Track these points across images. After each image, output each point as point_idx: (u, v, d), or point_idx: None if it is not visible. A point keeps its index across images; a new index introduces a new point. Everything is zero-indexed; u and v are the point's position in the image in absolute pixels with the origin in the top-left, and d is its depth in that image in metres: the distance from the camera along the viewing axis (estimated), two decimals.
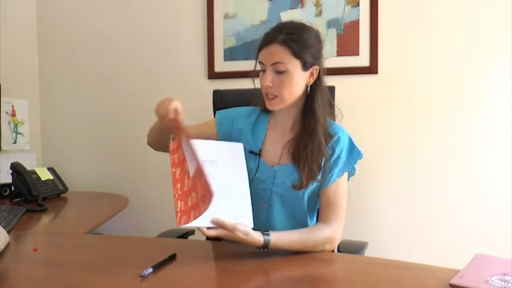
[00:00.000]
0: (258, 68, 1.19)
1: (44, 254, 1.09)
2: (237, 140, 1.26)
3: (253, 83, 1.23)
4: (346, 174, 1.19)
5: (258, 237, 0.99)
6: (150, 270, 0.89)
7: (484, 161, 1.82)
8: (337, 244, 1.13)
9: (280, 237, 1.03)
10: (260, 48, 1.13)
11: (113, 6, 2.18)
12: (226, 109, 1.34)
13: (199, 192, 0.93)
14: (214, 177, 0.91)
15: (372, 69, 1.89)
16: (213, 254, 1.10)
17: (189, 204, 0.96)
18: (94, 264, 0.98)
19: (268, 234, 1.01)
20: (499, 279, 0.78)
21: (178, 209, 0.97)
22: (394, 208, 1.91)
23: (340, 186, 1.16)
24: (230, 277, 0.91)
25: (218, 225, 0.97)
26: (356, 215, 1.92)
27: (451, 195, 1.85)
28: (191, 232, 1.53)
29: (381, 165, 1.91)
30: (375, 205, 1.92)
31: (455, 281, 0.78)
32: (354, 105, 1.89)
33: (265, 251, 1.01)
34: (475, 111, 1.82)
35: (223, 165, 1.08)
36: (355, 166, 1.19)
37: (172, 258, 0.97)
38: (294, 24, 1.15)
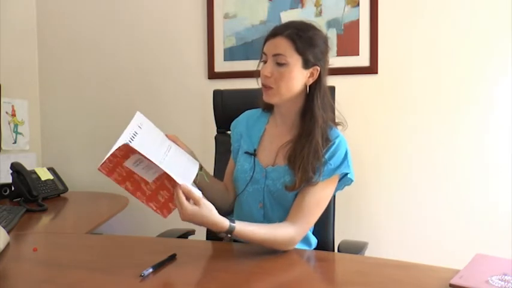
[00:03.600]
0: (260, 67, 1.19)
1: (44, 254, 1.09)
2: (239, 144, 1.29)
3: (258, 82, 1.23)
4: (329, 182, 1.13)
5: (223, 218, 0.98)
6: (150, 270, 0.89)
7: (484, 160, 1.82)
8: (295, 246, 1.08)
9: (245, 226, 1.01)
10: (266, 40, 1.15)
11: (112, 6, 2.18)
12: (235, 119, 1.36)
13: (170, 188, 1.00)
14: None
15: (372, 69, 1.89)
16: (213, 254, 1.10)
17: (162, 200, 1.01)
18: (94, 264, 0.98)
19: (234, 221, 0.99)
20: (499, 279, 0.78)
21: (155, 209, 1.02)
22: (394, 208, 1.91)
23: (318, 192, 1.11)
24: (230, 277, 0.91)
25: (185, 193, 0.94)
26: (356, 215, 1.92)
27: (452, 195, 1.85)
28: (191, 232, 1.53)
29: (381, 165, 1.91)
30: (375, 205, 1.92)
31: (455, 281, 0.78)
32: (354, 105, 1.89)
33: (229, 237, 1.01)
34: (475, 111, 1.82)
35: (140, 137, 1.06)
36: (352, 177, 1.16)
37: (172, 258, 0.97)
38: (303, 22, 1.16)
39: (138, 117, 1.07)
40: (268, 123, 1.26)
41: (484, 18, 1.80)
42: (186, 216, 0.95)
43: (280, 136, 1.20)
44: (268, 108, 1.27)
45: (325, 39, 1.16)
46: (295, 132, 1.18)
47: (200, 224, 0.97)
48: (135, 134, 1.02)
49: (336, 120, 1.23)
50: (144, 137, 1.03)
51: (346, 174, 1.15)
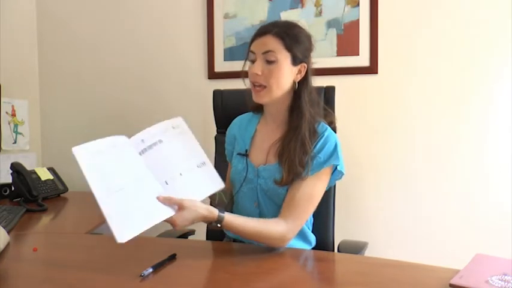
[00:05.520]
0: (247, 68, 1.20)
1: (44, 254, 1.10)
2: (233, 147, 1.31)
3: (244, 83, 1.23)
4: (320, 176, 1.13)
5: (208, 207, 1.00)
6: (150, 270, 0.89)
7: (484, 160, 1.82)
8: (287, 243, 1.07)
9: (236, 218, 1.03)
10: (253, 39, 1.16)
11: (113, 6, 2.18)
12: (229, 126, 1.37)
13: None
14: (160, 157, 1.04)
15: (372, 69, 1.89)
16: (213, 254, 1.10)
17: None
18: (94, 264, 0.98)
19: (223, 212, 1.01)
20: (499, 279, 0.78)
21: None
22: (394, 208, 1.91)
23: (309, 187, 1.11)
24: (230, 277, 0.91)
25: (166, 201, 0.97)
26: (356, 215, 1.92)
27: (452, 195, 1.85)
28: (191, 232, 1.53)
29: (380, 164, 1.91)
30: (375, 205, 1.92)
31: (455, 281, 0.78)
32: (354, 105, 1.89)
33: (219, 227, 1.01)
34: (475, 111, 1.82)
35: (169, 141, 1.09)
36: (343, 170, 1.15)
37: (172, 258, 0.97)
38: (288, 21, 1.19)
39: (176, 121, 1.13)
40: (259, 124, 1.27)
41: (484, 18, 1.80)
42: (178, 224, 0.97)
43: (271, 135, 1.21)
44: (258, 109, 1.28)
45: (309, 37, 1.18)
46: (284, 129, 1.19)
47: (192, 223, 0.99)
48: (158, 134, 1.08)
49: (326, 117, 1.23)
50: (165, 145, 1.07)
51: (336, 167, 1.14)
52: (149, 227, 0.93)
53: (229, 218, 1.02)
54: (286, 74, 1.13)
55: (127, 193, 0.96)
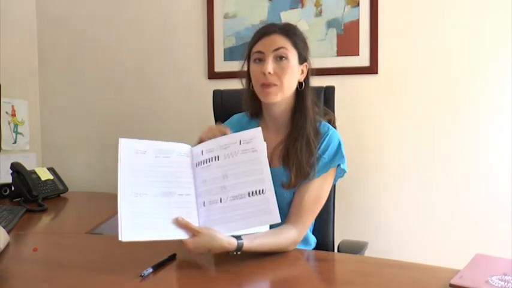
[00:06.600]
0: (245, 69, 1.20)
1: (44, 254, 1.10)
2: None
3: (242, 83, 1.22)
4: (326, 177, 1.13)
5: (228, 239, 0.94)
6: (150, 270, 0.89)
7: (485, 160, 1.82)
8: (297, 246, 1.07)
9: (252, 241, 0.96)
10: (258, 39, 1.14)
11: (113, 6, 2.18)
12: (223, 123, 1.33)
13: None
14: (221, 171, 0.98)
15: (372, 69, 1.89)
16: (213, 254, 1.10)
17: None
18: (94, 264, 0.98)
19: (241, 238, 0.95)
20: (499, 279, 0.78)
21: None
22: (394, 208, 1.91)
23: (316, 189, 1.11)
24: (230, 277, 0.90)
25: (183, 226, 0.93)
26: (356, 215, 1.92)
27: (452, 195, 1.85)
28: None
29: (381, 165, 1.91)
30: (375, 205, 1.92)
31: (455, 281, 0.78)
32: (354, 105, 1.89)
33: (239, 254, 0.95)
34: (476, 111, 1.82)
35: (228, 159, 1.01)
36: (346, 168, 1.16)
37: (172, 258, 0.97)
38: (286, 23, 1.19)
39: (249, 134, 1.01)
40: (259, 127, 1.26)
41: (485, 18, 1.80)
42: (191, 250, 0.94)
43: (273, 138, 1.19)
44: (257, 114, 1.26)
45: (306, 39, 1.19)
46: (287, 131, 1.19)
47: (208, 251, 0.94)
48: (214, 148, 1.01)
49: (326, 116, 1.23)
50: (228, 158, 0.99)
51: (339, 165, 1.15)
52: (156, 239, 0.92)
53: (247, 244, 0.95)
54: (295, 73, 1.13)
55: (150, 200, 0.95)
